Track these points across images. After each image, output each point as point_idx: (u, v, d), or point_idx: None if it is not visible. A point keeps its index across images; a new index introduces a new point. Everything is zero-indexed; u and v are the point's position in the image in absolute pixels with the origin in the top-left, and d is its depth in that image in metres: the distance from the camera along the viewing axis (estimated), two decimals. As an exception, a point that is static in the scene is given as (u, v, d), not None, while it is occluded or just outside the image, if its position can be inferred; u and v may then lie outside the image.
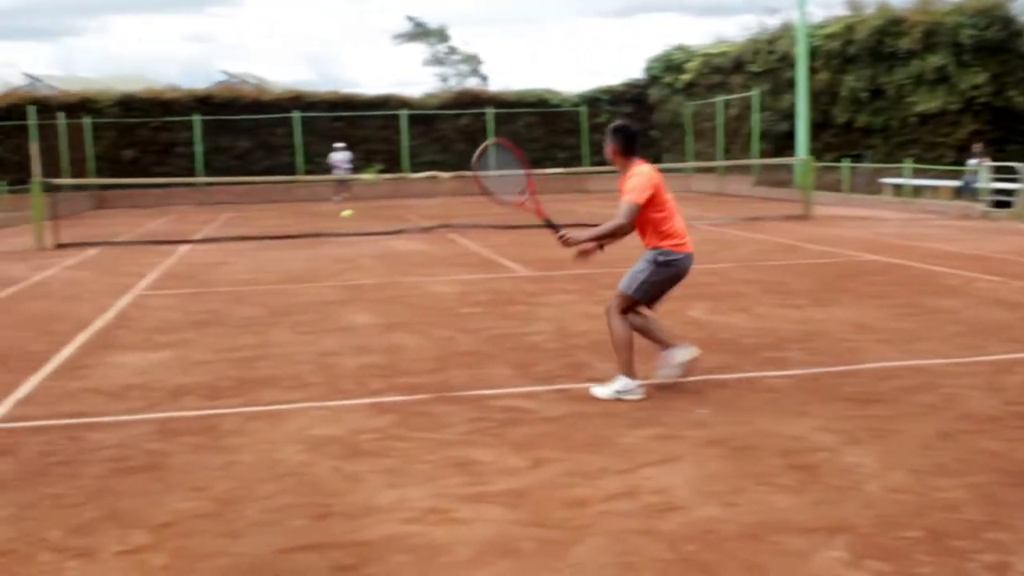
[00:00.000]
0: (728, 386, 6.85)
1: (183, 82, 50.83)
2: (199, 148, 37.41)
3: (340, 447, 5.61)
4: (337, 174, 34.09)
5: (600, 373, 7.26)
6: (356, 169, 35.93)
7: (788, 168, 29.96)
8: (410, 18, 67.97)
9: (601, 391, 6.63)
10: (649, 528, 4.32)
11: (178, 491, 4.94)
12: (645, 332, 6.85)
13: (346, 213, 20.95)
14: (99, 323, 10.05)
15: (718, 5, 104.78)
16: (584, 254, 7.03)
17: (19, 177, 34.02)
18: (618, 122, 7.02)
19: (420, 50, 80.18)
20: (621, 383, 6.58)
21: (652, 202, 6.63)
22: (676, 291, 10.94)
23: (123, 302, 11.43)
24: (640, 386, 6.58)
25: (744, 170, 33.00)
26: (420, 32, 66.87)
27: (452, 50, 67.22)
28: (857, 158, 28.63)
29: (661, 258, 6.75)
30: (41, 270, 15.02)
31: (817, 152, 29.24)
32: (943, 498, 4.62)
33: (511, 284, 12.15)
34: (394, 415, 6.26)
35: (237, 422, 6.20)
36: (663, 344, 6.87)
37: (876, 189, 26.44)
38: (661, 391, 6.70)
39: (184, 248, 18.26)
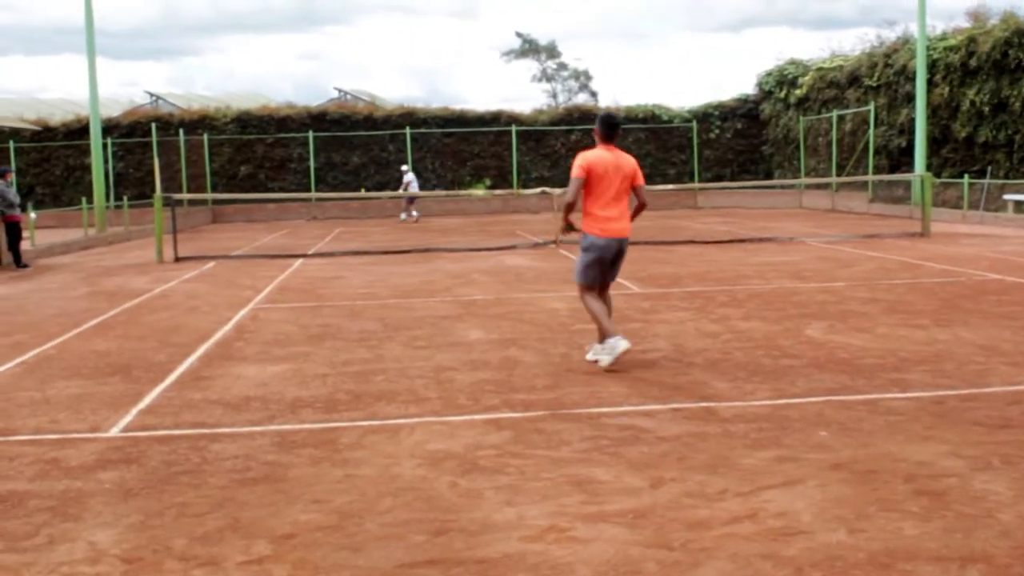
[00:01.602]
0: (849, 408, 6.68)
1: (297, 99, 52.09)
2: (312, 164, 38.09)
3: (457, 463, 5.62)
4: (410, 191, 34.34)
5: (718, 392, 7.17)
6: (465, 185, 36.24)
7: (905, 184, 29.31)
8: (519, 35, 68.25)
9: (592, 356, 8.25)
10: (772, 552, 4.23)
11: (299, 503, 5.00)
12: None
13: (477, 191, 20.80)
14: (218, 335, 10.27)
15: (832, 18, 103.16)
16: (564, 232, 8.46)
17: (140, 192, 35.20)
18: (604, 111, 8.39)
19: (529, 66, 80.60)
20: (606, 345, 8.01)
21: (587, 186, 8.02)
22: (793, 310, 10.89)
23: (241, 315, 11.67)
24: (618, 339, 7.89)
25: (858, 187, 32.38)
26: (529, 48, 67.20)
27: (562, 66, 67.45)
28: (978, 174, 27.86)
29: (586, 242, 8.16)
30: (162, 283, 15.44)
31: (935, 168, 28.55)
32: (1082, 529, 4.43)
33: (625, 301, 12.07)
34: (510, 431, 6.25)
35: (355, 436, 6.26)
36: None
37: (998, 206, 25.69)
38: (779, 411, 6.57)
39: (298, 262, 18.58)
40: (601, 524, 4.60)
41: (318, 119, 39.36)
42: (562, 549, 4.31)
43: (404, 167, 35.50)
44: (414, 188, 34.10)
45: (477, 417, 6.65)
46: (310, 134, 38.27)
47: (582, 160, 8.02)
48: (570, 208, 8.15)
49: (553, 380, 7.72)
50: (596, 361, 8.16)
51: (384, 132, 38.98)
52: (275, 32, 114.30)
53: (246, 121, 39.06)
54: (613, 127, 8.21)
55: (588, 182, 8.00)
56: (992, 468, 5.31)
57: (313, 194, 36.29)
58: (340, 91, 53.87)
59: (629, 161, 8.29)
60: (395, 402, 7.14)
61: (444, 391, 7.45)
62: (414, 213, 33.57)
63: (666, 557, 4.21)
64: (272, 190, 36.84)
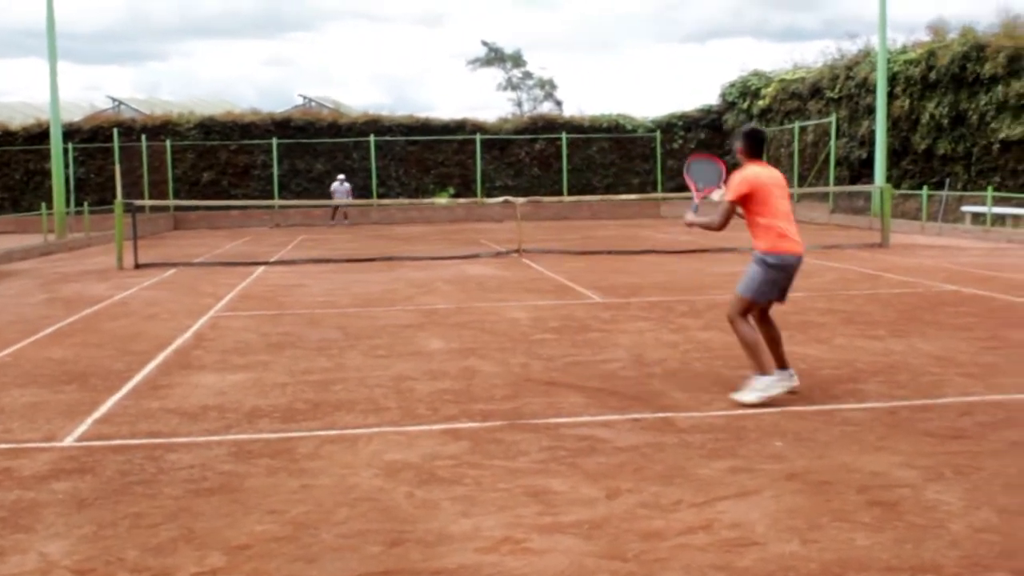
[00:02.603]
0: (805, 418, 6.74)
1: (262, 106, 51.80)
2: (276, 170, 37.95)
3: (414, 473, 5.61)
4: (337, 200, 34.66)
5: (676, 402, 7.21)
6: (429, 193, 36.32)
7: (865, 195, 29.59)
8: (485, 43, 68.18)
9: (745, 396, 7.09)
10: (726, 563, 4.26)
11: (255, 513, 4.98)
12: (771, 341, 7.42)
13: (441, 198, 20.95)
14: (177, 343, 10.21)
15: (796, 31, 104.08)
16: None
17: (101, 198, 34.89)
18: (748, 125, 7.73)
19: (494, 75, 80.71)
20: (760, 383, 7.11)
21: (751, 202, 7.20)
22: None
23: (200, 323, 11.61)
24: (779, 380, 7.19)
25: (820, 197, 32.66)
26: (495, 57, 67.25)
27: (527, 75, 67.51)
28: (937, 186, 28.18)
29: (770, 259, 7.20)
30: (121, 289, 15.33)
31: (895, 179, 28.85)
32: (1031, 539, 4.49)
33: (585, 311, 12.11)
34: (468, 442, 6.26)
35: (312, 445, 6.24)
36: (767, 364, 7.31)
37: (956, 217, 26.00)
38: (736, 422, 6.62)
39: (260, 269, 18.50)
40: (556, 535, 4.62)
41: (282, 126, 39.24)
42: (517, 560, 4.32)
43: (339, 176, 35.66)
44: (339, 198, 34.35)
45: (435, 427, 6.65)
46: (274, 141, 38.13)
47: (744, 179, 7.17)
48: (715, 229, 7.44)
49: (512, 390, 7.73)
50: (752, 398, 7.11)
51: (348, 139, 38.91)
52: (241, 38, 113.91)
53: (209, 127, 38.86)
54: (762, 141, 7.54)
55: (760, 198, 7.17)
56: (944, 478, 5.37)
57: (276, 201, 36.16)
58: (305, 98, 53.66)
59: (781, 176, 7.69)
60: (354, 412, 7.13)
61: (403, 401, 7.44)
62: (344, 220, 34.00)
63: (620, 568, 4.23)
64: (235, 197, 36.65)
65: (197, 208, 35.38)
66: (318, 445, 6.25)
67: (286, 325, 11.34)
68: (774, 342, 7.38)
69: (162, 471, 5.75)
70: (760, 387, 7.06)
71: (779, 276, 7.24)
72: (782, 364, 7.38)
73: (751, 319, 7.33)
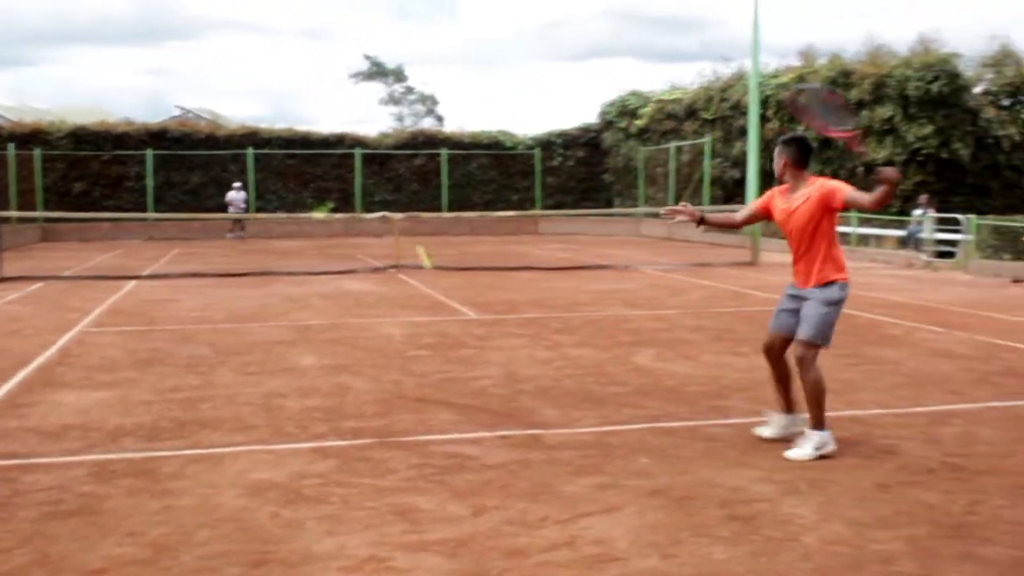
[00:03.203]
0: (671, 434, 6.87)
1: (138, 116, 50.79)
2: (151, 182, 37.15)
3: (280, 492, 5.56)
4: (232, 212, 34.16)
5: (546, 419, 7.27)
6: (307, 207, 36.00)
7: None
8: (367, 57, 68.00)
9: (799, 453, 6.21)
10: (587, 579, 4.33)
11: (113, 536, 4.87)
12: (780, 380, 6.72)
13: (424, 260, 20.74)
14: (40, 359, 9.92)
15: (675, 52, 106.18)
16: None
17: (-35, 208, 33.61)
18: (791, 133, 6.79)
19: (377, 89, 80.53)
20: (818, 438, 6.27)
21: (829, 222, 6.36)
22: (624, 337, 11.13)
23: (66, 338, 11.30)
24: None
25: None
26: (377, 71, 67.11)
27: (409, 90, 67.54)
28: (806, 206, 28.98)
29: (843, 292, 6.38)
30: (-16, 304, 14.82)
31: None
32: (879, 550, 4.66)
33: (460, 327, 12.14)
34: (336, 460, 6.22)
35: (176, 465, 6.13)
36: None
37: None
38: (603, 439, 6.71)
39: (131, 284, 18.08)
40: (421, 553, 4.63)
41: (157, 136, 38.38)
42: (380, 579, 4.32)
43: (235, 184, 35.22)
44: (235, 209, 33.95)
45: (304, 445, 6.60)
46: (148, 152, 37.29)
47: (835, 188, 6.32)
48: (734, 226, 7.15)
49: (384, 407, 7.71)
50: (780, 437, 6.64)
51: (226, 152, 38.27)
52: (117, 45, 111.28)
53: (82, 136, 37.78)
54: (811, 151, 6.63)
55: (833, 220, 6.43)
56: (800, 492, 5.54)
57: (151, 214, 35.38)
58: (181, 108, 52.84)
59: None
60: (221, 430, 7.02)
61: (272, 418, 7.36)
62: (229, 235, 33.59)
63: (482, 586, 4.26)
64: (108, 209, 35.67)
65: (67, 220, 34.37)
66: (183, 465, 6.15)
67: (155, 341, 11.12)
68: (787, 381, 6.71)
69: (17, 493, 5.58)
70: (818, 442, 6.24)
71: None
72: (794, 407, 6.68)
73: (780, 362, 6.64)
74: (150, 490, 5.63)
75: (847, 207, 6.38)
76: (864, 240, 25.66)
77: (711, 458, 6.27)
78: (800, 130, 7.06)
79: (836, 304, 6.28)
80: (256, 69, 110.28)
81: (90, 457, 6.33)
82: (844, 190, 6.26)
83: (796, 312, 6.43)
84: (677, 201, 33.97)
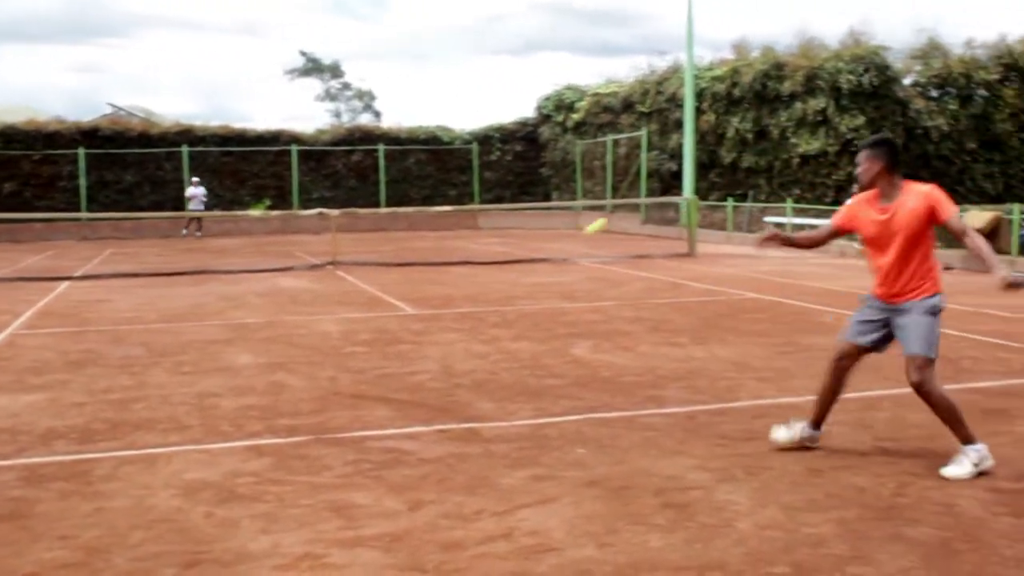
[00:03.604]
0: (608, 425, 6.92)
1: (70, 114, 49.87)
2: (83, 182, 36.58)
3: (214, 492, 5.51)
4: (191, 208, 33.72)
5: (482, 413, 7.28)
6: (244, 205, 35.66)
7: (675, 207, 30.49)
8: (303, 53, 67.58)
9: (957, 471, 5.68)
10: (524, 571, 4.34)
11: (44, 540, 4.80)
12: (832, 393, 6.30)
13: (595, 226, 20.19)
14: (-31, 364, 9.74)
15: (611, 46, 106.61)
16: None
17: None
18: (880, 135, 6.26)
19: (313, 85, 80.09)
20: (975, 454, 5.74)
21: (929, 234, 5.84)
22: (561, 330, 11.18)
23: (-4, 342, 11.11)
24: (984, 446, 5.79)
25: (633, 208, 33.48)
26: (313, 67, 66.72)
27: (345, 86, 67.27)
28: (742, 197, 29.31)
29: (944, 304, 5.87)
30: (-89, 308, 14.51)
31: (703, 191, 29.84)
32: (811, 534, 4.73)
33: (397, 323, 12.12)
34: (272, 458, 6.18)
35: (109, 467, 6.06)
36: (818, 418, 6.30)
37: (760, 228, 27.05)
38: (540, 431, 6.74)
39: (64, 285, 17.80)
40: (357, 549, 4.62)
41: (89, 135, 37.75)
42: (315, 576, 4.31)
43: (193, 179, 34.78)
44: (197, 204, 33.51)
45: (238, 444, 6.55)
46: (80, 151, 36.70)
47: (941, 203, 5.73)
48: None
49: (320, 404, 7.67)
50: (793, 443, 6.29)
51: (160, 149, 37.78)
52: (46, 42, 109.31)
53: (10, 136, 37.04)
54: (899, 152, 6.08)
55: (932, 232, 5.87)
56: (735, 479, 5.60)
57: (84, 214, 34.84)
58: (114, 107, 52.09)
59: None
60: (154, 431, 6.94)
61: (207, 418, 7.29)
62: (184, 231, 33.15)
63: (418, 579, 4.26)
64: (39, 209, 35.02)
65: (-4, 221, 33.78)
66: (115, 466, 6.07)
67: (88, 342, 10.96)
68: (835, 398, 6.35)
69: (-55, 498, 5.49)
70: (976, 458, 5.70)
71: None
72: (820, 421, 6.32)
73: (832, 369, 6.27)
74: (82, 493, 5.55)
75: (944, 228, 5.82)
76: (800, 230, 25.95)
77: (647, 448, 6.32)
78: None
79: (938, 315, 5.79)
80: (190, 66, 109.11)
81: (20, 461, 6.23)
82: (949, 211, 5.70)
83: (880, 325, 5.98)
84: (615, 195, 34.18)
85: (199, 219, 33.57)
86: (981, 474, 5.63)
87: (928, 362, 5.72)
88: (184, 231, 33.73)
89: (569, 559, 4.46)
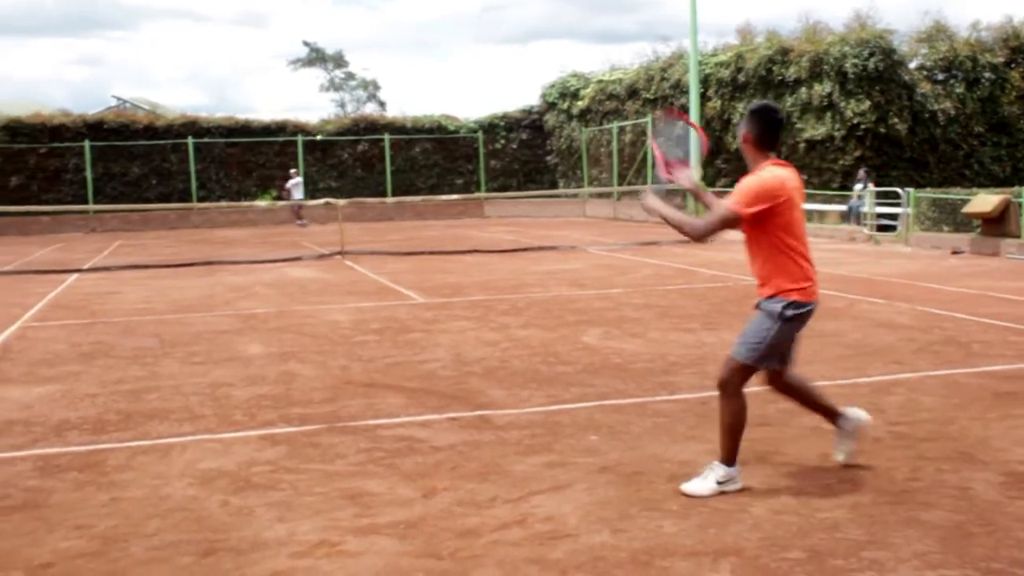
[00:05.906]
0: (620, 411, 6.92)
1: (74, 107, 49.89)
2: (90, 174, 36.61)
3: (229, 481, 5.53)
4: (296, 198, 33.49)
5: (494, 400, 7.29)
6: (251, 196, 35.68)
7: (682, 193, 30.42)
8: (307, 43, 67.49)
9: (696, 487, 5.14)
10: (539, 557, 4.35)
11: (60, 530, 4.82)
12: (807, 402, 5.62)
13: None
14: (-19, 356, 9.77)
15: (613, 33, 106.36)
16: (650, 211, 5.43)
17: (-101, 205, 32.93)
18: (759, 103, 5.28)
19: (316, 75, 79.99)
20: (724, 473, 5.17)
21: (770, 222, 5.05)
22: (571, 317, 11.18)
23: (7, 334, 11.13)
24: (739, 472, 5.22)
25: (639, 195, 33.42)
26: (317, 58, 66.64)
27: (350, 76, 67.18)
28: (748, 183, 29.24)
29: (789, 311, 5.13)
30: (-79, 301, 14.56)
31: (710, 177, 29.78)
32: (825, 518, 4.73)
33: (407, 311, 12.13)
34: (285, 447, 6.20)
35: (123, 457, 6.08)
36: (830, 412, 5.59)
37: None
38: (552, 418, 6.75)
39: (73, 277, 17.84)
40: (372, 536, 4.63)
41: (95, 128, 37.78)
42: (331, 564, 4.32)
43: (292, 171, 34.65)
44: (296, 195, 33.24)
45: (252, 433, 6.56)
46: (86, 144, 36.74)
47: (766, 188, 4.99)
48: (695, 238, 5.28)
49: (331, 393, 7.68)
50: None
51: (166, 141, 37.79)
52: (50, 35, 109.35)
53: (16, 129, 37.09)
54: (780, 125, 5.25)
55: (786, 217, 5.07)
56: (748, 464, 5.58)
57: (91, 206, 34.87)
58: (119, 99, 52.11)
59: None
60: (168, 420, 6.96)
61: (220, 407, 7.31)
62: (303, 221, 32.83)
63: (435, 567, 4.27)
64: (46, 202, 35.07)
65: (4, 214, 33.81)
66: (130, 456, 6.09)
67: (99, 334, 10.98)
68: (814, 400, 5.63)
69: (-39, 490, 5.51)
70: (721, 476, 5.14)
71: (798, 329, 5.29)
72: (836, 413, 5.56)
73: (744, 394, 5.30)
74: (97, 483, 5.57)
75: None
76: (807, 215, 25.93)
77: (660, 433, 6.33)
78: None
79: (778, 321, 5.17)
80: (194, 58, 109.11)
81: (35, 452, 6.26)
82: (725, 201, 5.16)
83: None
84: (621, 182, 34.11)
85: (301, 207, 33.31)
86: (722, 493, 5.10)
87: (740, 368, 5.19)
88: (299, 222, 33.20)
89: (584, 545, 4.47)
